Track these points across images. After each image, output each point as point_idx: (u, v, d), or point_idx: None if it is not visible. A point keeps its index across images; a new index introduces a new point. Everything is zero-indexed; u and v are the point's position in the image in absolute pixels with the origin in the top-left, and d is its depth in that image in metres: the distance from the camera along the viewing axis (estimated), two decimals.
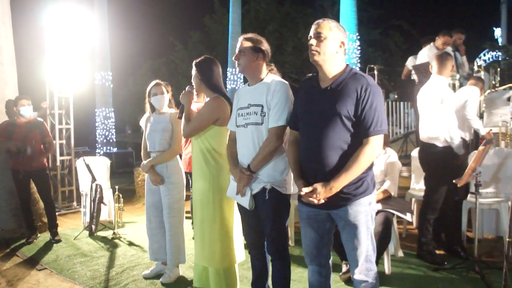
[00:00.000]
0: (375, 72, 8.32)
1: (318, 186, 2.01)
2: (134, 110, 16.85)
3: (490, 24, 17.09)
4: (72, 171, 6.53)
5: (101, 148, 11.55)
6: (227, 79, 12.95)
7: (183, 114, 2.93)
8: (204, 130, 2.82)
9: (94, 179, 4.97)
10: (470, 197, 4.06)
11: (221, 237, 2.80)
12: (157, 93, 3.46)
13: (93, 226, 4.89)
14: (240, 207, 2.60)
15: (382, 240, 3.13)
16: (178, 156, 3.54)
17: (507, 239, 2.96)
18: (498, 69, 8.05)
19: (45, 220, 4.95)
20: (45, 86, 6.46)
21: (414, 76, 5.97)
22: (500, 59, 13.36)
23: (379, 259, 3.03)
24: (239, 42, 2.50)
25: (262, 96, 2.42)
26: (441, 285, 3.22)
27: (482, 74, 6.42)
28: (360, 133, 2.02)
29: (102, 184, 5.05)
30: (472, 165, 3.23)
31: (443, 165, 3.58)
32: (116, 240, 4.68)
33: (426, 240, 3.68)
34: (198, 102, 3.91)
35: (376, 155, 2.06)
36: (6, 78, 5.18)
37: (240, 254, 2.96)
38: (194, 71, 2.94)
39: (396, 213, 3.35)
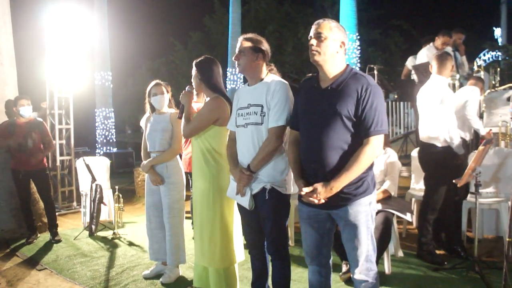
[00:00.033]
0: (375, 72, 8.33)
1: (319, 186, 2.01)
2: (134, 110, 16.87)
3: (490, 24, 17.10)
4: (72, 171, 6.53)
5: (101, 148, 11.55)
6: (227, 79, 12.96)
7: (183, 114, 2.93)
8: (204, 130, 2.82)
9: (94, 179, 4.97)
10: (470, 197, 4.06)
11: (221, 237, 2.80)
12: (157, 93, 3.46)
13: (93, 226, 4.89)
14: (240, 207, 2.60)
15: (382, 240, 3.13)
16: (178, 156, 3.54)
17: (507, 239, 2.97)
18: (498, 69, 8.05)
19: (45, 220, 4.95)
20: (45, 86, 6.46)
21: (414, 76, 5.96)
22: (500, 59, 13.36)
23: (379, 259, 3.03)
24: (239, 42, 2.50)
25: (262, 96, 2.42)
26: (441, 285, 3.22)
27: (482, 74, 6.42)
28: (361, 133, 2.02)
29: (102, 184, 5.05)
30: (472, 165, 3.23)
31: (442, 165, 3.58)
32: (116, 240, 4.68)
33: (426, 240, 3.68)
34: (198, 102, 3.91)
35: (377, 155, 2.06)
36: (6, 78, 5.18)
37: (240, 254, 2.96)
38: (194, 71, 2.95)
39: (396, 213, 3.36)
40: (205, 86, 2.89)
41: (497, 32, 16.83)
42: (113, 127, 11.92)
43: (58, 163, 6.45)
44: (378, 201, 3.26)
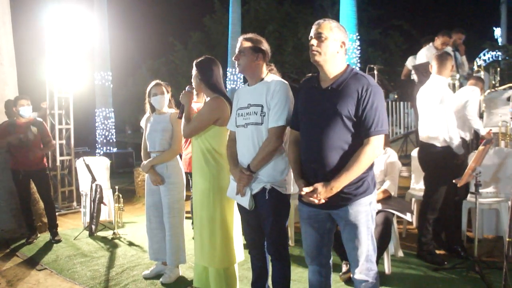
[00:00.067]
0: (375, 72, 8.34)
1: (319, 186, 2.01)
2: (134, 110, 16.88)
3: (490, 24, 17.11)
4: (72, 171, 6.53)
5: (101, 148, 11.55)
6: (227, 79, 12.96)
7: (183, 114, 2.93)
8: (204, 130, 2.82)
9: (94, 179, 4.97)
10: (470, 197, 4.06)
11: (221, 237, 2.80)
12: (157, 93, 3.46)
13: (93, 226, 4.89)
14: (240, 207, 2.60)
15: (382, 240, 3.13)
16: (178, 156, 3.54)
17: (507, 239, 2.97)
18: (498, 69, 8.05)
19: (45, 220, 4.95)
20: (45, 86, 6.45)
21: (414, 76, 5.97)
22: (500, 59, 13.36)
23: (379, 259, 3.03)
24: (239, 42, 2.50)
25: (262, 96, 2.42)
26: (441, 285, 3.22)
27: (482, 74, 6.43)
28: (361, 133, 2.02)
29: (102, 184, 5.05)
30: (472, 165, 3.23)
31: (442, 165, 3.58)
32: (116, 240, 4.68)
33: (426, 240, 3.68)
34: (198, 102, 3.91)
35: (377, 155, 2.06)
36: (6, 78, 5.18)
37: (240, 254, 2.96)
38: (194, 71, 2.95)
39: (396, 213, 3.36)
40: (205, 86, 2.89)
41: (497, 32, 16.84)
42: (113, 127, 11.91)
43: (58, 163, 6.45)
44: (378, 201, 3.26)
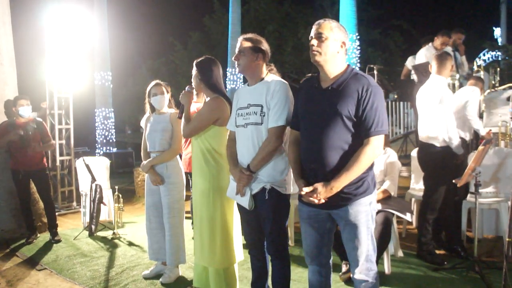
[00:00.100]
0: (375, 72, 8.33)
1: (319, 186, 2.01)
2: (134, 110, 16.87)
3: (489, 24, 17.11)
4: (72, 171, 6.53)
5: (101, 148, 11.55)
6: (227, 79, 12.95)
7: (183, 114, 2.93)
8: (204, 130, 2.82)
9: (94, 179, 4.97)
10: (470, 197, 4.06)
11: (221, 237, 2.80)
12: (157, 93, 3.46)
13: (93, 226, 4.89)
14: (240, 207, 2.59)
15: (382, 240, 3.13)
16: (178, 156, 3.54)
17: (507, 239, 2.97)
18: (498, 69, 8.06)
19: (45, 220, 4.94)
20: (45, 86, 6.45)
21: (414, 76, 5.97)
22: (499, 59, 13.36)
23: (379, 259, 3.03)
24: (239, 42, 2.50)
25: (261, 96, 2.42)
26: (441, 285, 3.23)
27: (481, 74, 6.43)
28: (361, 133, 2.02)
29: (102, 184, 5.05)
30: (471, 165, 3.23)
31: (442, 165, 3.58)
32: (116, 240, 4.68)
33: (426, 240, 3.68)
34: (198, 102, 3.91)
35: (377, 155, 2.06)
36: (5, 78, 5.18)
37: (239, 254, 2.96)
38: (194, 71, 2.95)
39: (396, 213, 3.36)
40: (205, 86, 2.89)
41: (497, 32, 16.84)
42: (113, 127, 11.91)
43: (58, 163, 6.45)
44: (378, 201, 3.26)
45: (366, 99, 1.99)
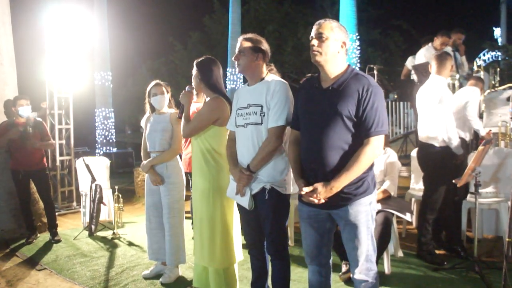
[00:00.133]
0: (375, 72, 8.34)
1: (319, 185, 2.01)
2: (134, 110, 16.86)
3: (489, 24, 17.10)
4: (72, 171, 6.53)
5: (101, 148, 11.55)
6: (227, 79, 12.95)
7: (183, 114, 2.93)
8: (204, 130, 2.82)
9: (93, 179, 4.97)
10: (469, 197, 4.06)
11: (221, 237, 2.80)
12: (157, 93, 3.46)
13: (93, 226, 4.89)
14: (240, 207, 2.59)
15: (382, 240, 3.13)
16: (178, 156, 3.54)
17: (507, 239, 2.97)
18: (498, 69, 8.06)
19: (45, 220, 4.94)
20: (45, 86, 6.45)
21: (414, 76, 5.97)
22: (499, 59, 13.36)
23: (379, 259, 3.03)
24: (239, 42, 2.50)
25: (261, 96, 2.42)
26: (441, 285, 3.23)
27: (481, 74, 6.43)
28: (361, 133, 2.02)
29: (101, 184, 5.05)
30: (471, 165, 3.23)
31: (441, 165, 3.58)
32: (116, 240, 4.68)
33: (425, 240, 3.69)
34: (198, 102, 3.91)
35: (377, 155, 2.06)
36: (5, 78, 5.18)
37: (239, 254, 2.96)
38: (194, 71, 2.95)
39: (395, 213, 3.36)
40: (205, 86, 2.89)
41: (497, 32, 16.84)
42: (113, 127, 11.91)
43: (58, 163, 6.45)
44: (377, 201, 3.26)
45: (367, 99, 1.99)
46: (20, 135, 4.52)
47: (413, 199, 4.45)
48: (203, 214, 2.84)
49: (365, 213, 2.07)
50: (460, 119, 4.18)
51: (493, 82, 7.42)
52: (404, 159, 6.71)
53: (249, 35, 2.51)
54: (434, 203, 3.66)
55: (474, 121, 4.24)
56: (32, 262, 4.04)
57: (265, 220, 2.45)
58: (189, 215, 4.59)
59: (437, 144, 3.57)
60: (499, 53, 13.45)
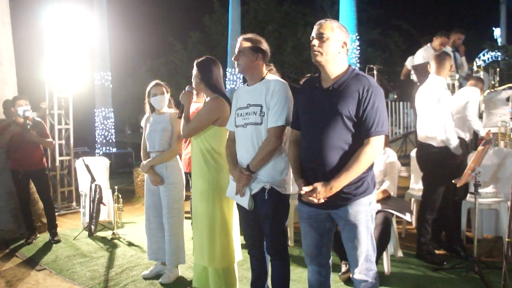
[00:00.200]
0: (375, 72, 8.34)
1: (318, 185, 2.01)
2: (134, 110, 16.85)
3: (489, 24, 17.10)
4: (72, 172, 6.53)
5: (101, 148, 11.54)
6: (227, 79, 12.95)
7: (183, 114, 2.93)
8: (204, 130, 2.82)
9: (93, 180, 4.96)
10: (469, 197, 4.06)
11: (220, 237, 2.80)
12: (157, 93, 3.46)
13: (93, 227, 4.89)
14: (240, 207, 2.60)
15: (381, 240, 3.13)
16: (177, 156, 3.54)
17: (507, 239, 2.96)
18: (498, 69, 8.07)
19: (45, 220, 4.94)
20: (45, 87, 6.45)
21: (413, 76, 5.97)
22: (499, 59, 13.36)
23: (378, 259, 3.03)
24: (239, 42, 2.50)
25: (261, 96, 2.42)
26: (441, 285, 3.23)
27: (481, 74, 6.43)
28: (361, 134, 2.02)
29: (101, 184, 5.05)
30: (471, 165, 3.23)
31: (440, 165, 3.58)
32: (116, 241, 4.68)
33: (425, 240, 3.68)
34: (198, 102, 3.91)
35: (377, 155, 2.06)
36: (5, 79, 5.18)
37: (238, 254, 2.96)
38: (194, 71, 2.95)
39: (395, 213, 3.36)
40: (205, 86, 2.89)
41: (497, 32, 16.84)
42: (113, 127, 11.91)
43: (57, 163, 6.45)
44: (377, 201, 3.26)
45: (367, 99, 2.00)
46: (21, 127, 4.50)
47: (412, 199, 4.45)
48: (203, 214, 2.84)
49: (365, 213, 2.07)
50: (460, 119, 4.19)
51: (492, 82, 7.43)
52: (404, 159, 6.70)
53: (248, 35, 2.51)
54: (433, 203, 3.66)
55: (474, 121, 4.24)
56: (31, 263, 4.04)
57: (265, 220, 2.45)
58: (189, 215, 4.58)
59: (436, 144, 3.57)
60: (498, 53, 13.45)
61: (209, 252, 2.82)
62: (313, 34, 2.10)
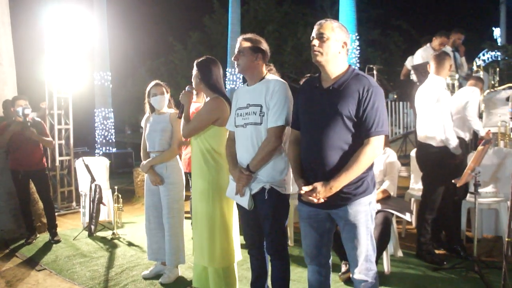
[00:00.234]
0: (374, 72, 8.35)
1: (318, 185, 2.01)
2: (134, 110, 16.87)
3: (489, 24, 17.10)
4: (71, 172, 6.53)
5: (100, 148, 11.54)
6: (227, 79, 12.95)
7: (183, 114, 2.93)
8: (204, 130, 2.82)
9: (93, 180, 4.96)
10: (469, 197, 4.06)
11: (220, 237, 2.81)
12: (157, 93, 3.46)
13: (93, 227, 4.89)
14: (239, 207, 2.60)
15: (381, 240, 3.13)
16: (177, 156, 3.54)
17: (506, 239, 2.96)
18: (497, 69, 8.07)
19: (45, 220, 4.94)
20: (44, 87, 6.45)
21: (413, 76, 5.97)
22: (499, 59, 13.36)
23: (378, 259, 3.04)
24: (238, 42, 2.50)
25: (261, 96, 2.42)
26: (441, 284, 3.23)
27: (481, 74, 6.43)
28: (361, 134, 2.02)
29: (101, 184, 5.05)
30: (471, 165, 3.24)
31: (440, 165, 3.58)
32: (116, 241, 4.68)
33: (425, 240, 3.69)
34: (198, 102, 3.91)
35: (377, 155, 2.06)
36: (5, 79, 5.18)
37: (238, 254, 2.96)
38: (194, 71, 2.95)
39: (395, 213, 3.36)
40: (204, 86, 2.89)
41: (497, 32, 16.83)
42: (113, 127, 11.91)
43: (57, 163, 6.44)
44: (377, 201, 3.26)
45: (367, 99, 2.00)
46: (21, 124, 4.49)
47: (412, 199, 4.45)
48: (203, 214, 2.84)
49: (365, 213, 2.07)
50: (459, 119, 4.19)
51: (492, 82, 7.43)
52: (404, 159, 6.71)
53: (248, 35, 2.51)
54: (433, 203, 3.66)
55: (474, 121, 4.24)
56: (31, 263, 4.04)
57: (265, 220, 2.45)
58: (189, 215, 4.59)
59: (435, 144, 3.57)
60: (498, 53, 13.45)
61: (209, 252, 2.82)
62: (313, 34, 2.10)
